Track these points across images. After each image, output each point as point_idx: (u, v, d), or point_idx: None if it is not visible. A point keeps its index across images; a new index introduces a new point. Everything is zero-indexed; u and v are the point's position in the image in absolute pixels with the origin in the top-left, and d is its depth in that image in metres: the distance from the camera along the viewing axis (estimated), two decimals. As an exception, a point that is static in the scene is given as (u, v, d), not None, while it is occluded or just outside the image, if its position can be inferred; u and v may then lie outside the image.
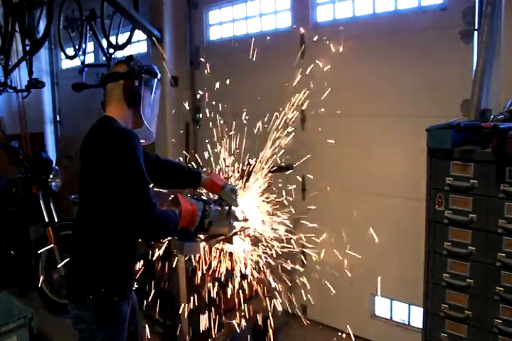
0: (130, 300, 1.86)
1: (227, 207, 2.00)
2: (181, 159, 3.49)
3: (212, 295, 2.66)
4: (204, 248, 2.20)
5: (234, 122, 3.69)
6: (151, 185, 1.77)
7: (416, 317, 2.88)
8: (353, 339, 3.15)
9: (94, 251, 1.75)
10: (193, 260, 2.28)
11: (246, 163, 2.33)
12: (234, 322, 2.80)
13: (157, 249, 2.60)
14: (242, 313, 2.89)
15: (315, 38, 3.10)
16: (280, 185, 3.23)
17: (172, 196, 1.87)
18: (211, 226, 1.87)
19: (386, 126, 2.82)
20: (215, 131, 3.95)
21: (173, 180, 2.11)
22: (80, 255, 1.79)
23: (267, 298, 3.05)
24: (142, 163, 1.68)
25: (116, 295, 1.74)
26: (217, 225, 1.90)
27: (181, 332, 2.40)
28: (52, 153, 5.70)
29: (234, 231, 2.04)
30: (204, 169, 2.64)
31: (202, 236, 1.92)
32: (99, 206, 1.72)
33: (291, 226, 2.63)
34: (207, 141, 3.21)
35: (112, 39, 4.14)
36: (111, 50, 4.13)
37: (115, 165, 1.65)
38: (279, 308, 3.16)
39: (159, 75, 1.89)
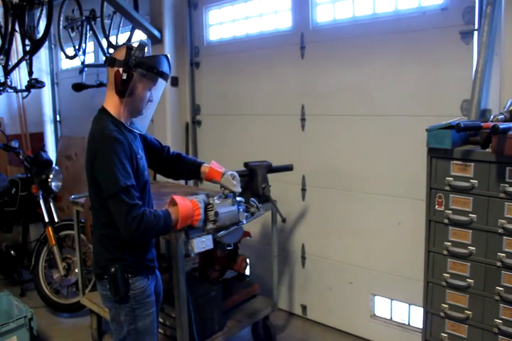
0: (150, 277, 1.91)
1: (231, 195, 1.96)
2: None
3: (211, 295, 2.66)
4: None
5: (233, 122, 3.71)
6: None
7: (416, 317, 2.88)
8: (353, 339, 3.15)
9: (104, 235, 1.85)
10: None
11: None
12: (234, 321, 2.80)
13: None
14: (243, 313, 2.89)
15: (315, 38, 3.11)
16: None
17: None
18: (218, 216, 1.84)
19: (386, 126, 2.82)
20: (214, 131, 3.97)
21: (179, 173, 2.18)
22: (96, 239, 1.89)
23: (267, 298, 3.05)
24: (119, 165, 1.68)
25: (128, 272, 1.81)
26: (224, 215, 1.87)
27: (181, 332, 2.40)
28: (52, 153, 5.71)
29: (247, 219, 1.99)
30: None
31: (212, 229, 1.88)
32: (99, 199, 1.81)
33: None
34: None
35: (112, 39, 4.15)
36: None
37: (95, 167, 1.72)
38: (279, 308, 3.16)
39: (158, 69, 1.78)
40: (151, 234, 1.73)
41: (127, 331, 1.84)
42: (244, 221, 1.97)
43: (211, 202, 1.87)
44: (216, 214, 1.84)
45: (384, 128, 2.83)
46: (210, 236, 1.88)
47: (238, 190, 1.98)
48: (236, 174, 2.04)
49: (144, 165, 1.88)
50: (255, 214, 2.04)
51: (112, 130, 1.74)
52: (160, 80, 1.82)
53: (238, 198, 1.98)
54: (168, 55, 1.87)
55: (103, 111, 1.83)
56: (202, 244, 1.86)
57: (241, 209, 1.95)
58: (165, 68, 1.81)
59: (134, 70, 1.74)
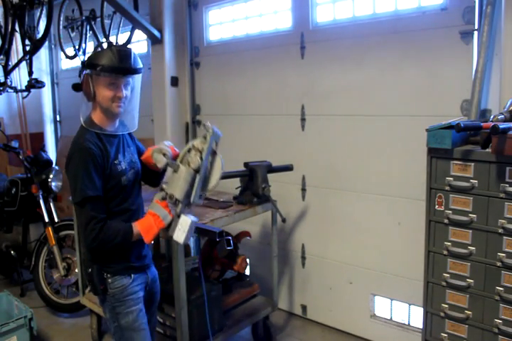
0: (134, 276, 1.91)
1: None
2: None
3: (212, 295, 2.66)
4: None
5: (233, 122, 3.71)
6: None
7: (416, 317, 2.88)
8: (353, 339, 3.15)
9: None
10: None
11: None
12: (234, 321, 2.80)
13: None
14: (243, 313, 2.89)
15: (315, 38, 3.11)
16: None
17: None
18: (174, 197, 1.74)
19: (386, 126, 2.82)
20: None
21: (147, 179, 2.10)
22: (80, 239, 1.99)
23: (267, 298, 3.05)
24: (85, 176, 1.72)
25: (107, 272, 1.87)
26: (179, 188, 1.74)
27: (181, 332, 2.40)
28: (52, 153, 5.71)
29: (204, 156, 1.77)
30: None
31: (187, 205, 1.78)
32: None
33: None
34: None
35: (112, 39, 4.14)
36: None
37: (66, 174, 1.80)
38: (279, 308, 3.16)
39: (98, 63, 1.73)
40: (109, 246, 1.78)
41: (113, 328, 1.93)
42: (203, 162, 1.76)
43: (164, 188, 1.78)
44: (171, 196, 1.75)
45: (384, 128, 2.83)
46: (183, 217, 1.74)
47: (161, 164, 1.82)
48: (164, 144, 1.87)
49: (125, 169, 1.86)
50: (210, 137, 1.78)
51: (86, 139, 1.79)
52: (106, 77, 1.75)
53: (179, 158, 1.81)
54: (117, 49, 1.79)
55: (88, 118, 1.91)
56: (180, 231, 1.73)
57: (189, 159, 1.76)
58: (105, 60, 1.73)
59: (84, 71, 1.82)
